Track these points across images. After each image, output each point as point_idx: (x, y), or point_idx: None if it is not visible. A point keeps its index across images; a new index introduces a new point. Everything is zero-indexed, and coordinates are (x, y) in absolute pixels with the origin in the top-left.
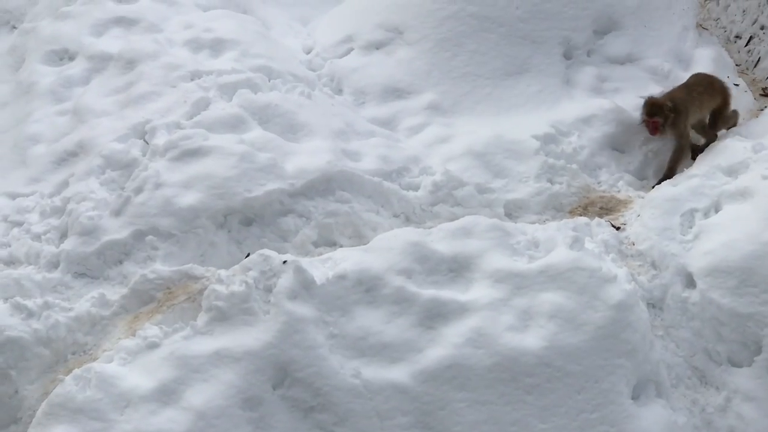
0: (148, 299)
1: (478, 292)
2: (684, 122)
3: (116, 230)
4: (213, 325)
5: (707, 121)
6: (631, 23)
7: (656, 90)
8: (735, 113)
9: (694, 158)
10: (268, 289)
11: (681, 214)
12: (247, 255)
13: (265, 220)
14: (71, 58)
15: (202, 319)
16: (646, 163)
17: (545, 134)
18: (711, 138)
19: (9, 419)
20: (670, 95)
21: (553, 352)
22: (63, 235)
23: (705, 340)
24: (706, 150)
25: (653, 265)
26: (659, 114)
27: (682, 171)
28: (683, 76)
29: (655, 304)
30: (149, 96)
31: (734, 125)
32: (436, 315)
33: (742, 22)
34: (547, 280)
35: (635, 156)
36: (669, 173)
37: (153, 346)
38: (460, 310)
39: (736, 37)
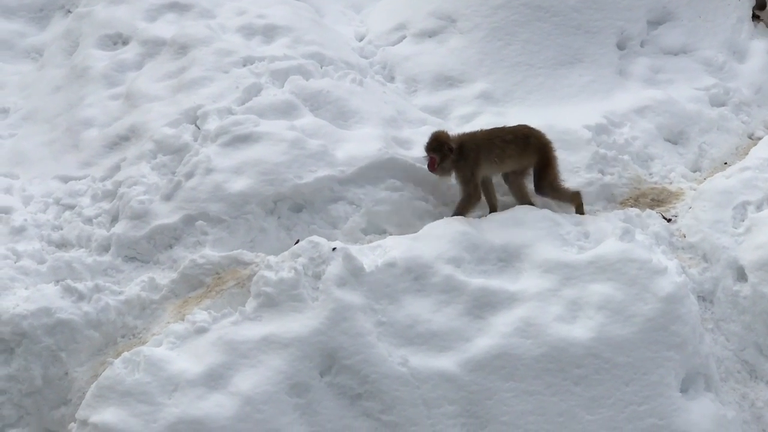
0: (198, 284)
1: (527, 281)
2: (471, 170)
3: (167, 215)
4: (261, 310)
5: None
6: (686, 14)
7: (710, 81)
8: (575, 195)
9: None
10: (317, 276)
11: (733, 206)
12: (297, 241)
13: (314, 207)
14: (125, 43)
15: (250, 304)
16: (699, 154)
17: (597, 125)
18: (525, 201)
19: (59, 400)
20: (469, 136)
21: (601, 344)
22: (114, 219)
23: (756, 334)
24: (761, 142)
25: (704, 258)
26: (438, 150)
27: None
28: (738, 68)
29: (705, 297)
30: (201, 81)
31: (579, 210)
32: (484, 304)
33: None
34: (596, 271)
35: (689, 148)
36: None
37: (201, 330)
38: (509, 300)
39: None
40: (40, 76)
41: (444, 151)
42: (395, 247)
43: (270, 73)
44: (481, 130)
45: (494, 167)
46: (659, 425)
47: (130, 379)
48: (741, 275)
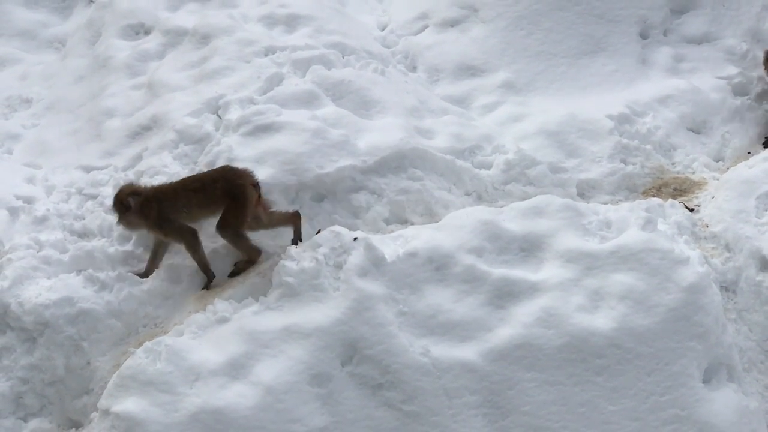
0: (219, 274)
1: (548, 271)
2: (160, 225)
3: None
4: (283, 300)
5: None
6: (709, 2)
7: (733, 70)
8: (255, 252)
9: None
10: (339, 266)
11: (756, 196)
12: (318, 231)
13: (336, 197)
14: (147, 33)
15: (272, 294)
16: (722, 144)
17: (620, 114)
18: (284, 222)
19: (81, 390)
20: (156, 189)
21: (623, 334)
22: None
23: None
24: None
25: (727, 248)
26: (115, 206)
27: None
28: (761, 57)
29: (728, 287)
30: (223, 71)
31: (248, 264)
32: (506, 294)
33: None
34: (618, 261)
35: (712, 137)
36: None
37: (223, 320)
38: (531, 290)
39: None
40: (62, 66)
41: (121, 207)
42: (417, 237)
43: (292, 63)
44: (175, 181)
45: (186, 217)
46: (681, 416)
47: (151, 369)
48: (764, 265)
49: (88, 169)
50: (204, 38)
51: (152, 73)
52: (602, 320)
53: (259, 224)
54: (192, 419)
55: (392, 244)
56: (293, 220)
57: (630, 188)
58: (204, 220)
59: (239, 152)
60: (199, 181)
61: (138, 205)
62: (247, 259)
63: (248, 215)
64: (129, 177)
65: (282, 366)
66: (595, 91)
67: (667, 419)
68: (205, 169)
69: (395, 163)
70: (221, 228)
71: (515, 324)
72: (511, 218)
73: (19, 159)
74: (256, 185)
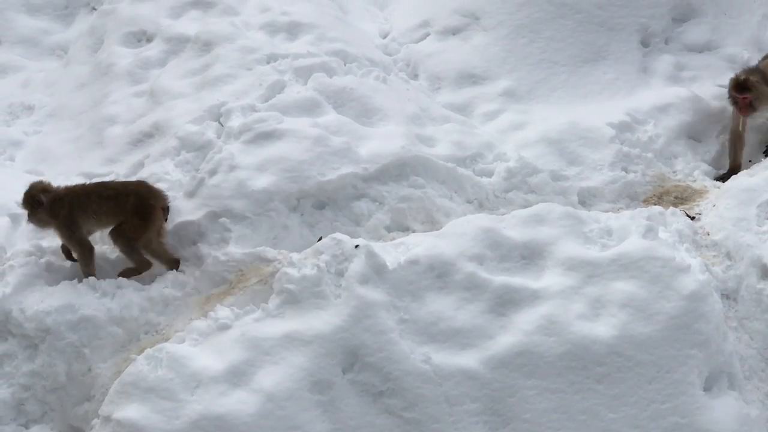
0: (221, 281)
1: (549, 279)
2: (67, 227)
3: (190, 212)
4: (284, 308)
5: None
6: (711, 11)
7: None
8: (145, 263)
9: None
10: (340, 273)
11: (758, 204)
12: (319, 239)
13: (338, 204)
14: (149, 40)
15: (273, 301)
16: (722, 152)
17: (621, 122)
18: (164, 259)
19: (82, 396)
20: (69, 190)
21: (624, 342)
22: None
23: None
24: None
25: (728, 256)
26: (27, 203)
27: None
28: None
29: (729, 295)
30: (225, 78)
31: (134, 272)
32: (507, 302)
33: None
34: (619, 269)
35: (712, 145)
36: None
37: (224, 327)
38: (532, 298)
39: None
40: (64, 73)
41: (33, 203)
42: (418, 245)
43: (293, 71)
44: (88, 184)
45: (93, 224)
46: (682, 424)
47: (152, 376)
48: (765, 273)
49: (89, 176)
50: (206, 45)
51: (154, 80)
52: (603, 328)
53: (148, 246)
54: (193, 426)
55: (393, 252)
56: (172, 263)
57: (631, 196)
58: (110, 227)
59: (241, 159)
60: (114, 190)
61: (49, 203)
62: (135, 268)
63: (148, 234)
64: None
65: (283, 373)
66: (596, 99)
67: (668, 427)
68: (203, 175)
69: (396, 170)
70: (116, 236)
71: (516, 331)
72: (512, 226)
73: (21, 166)
74: (166, 209)
